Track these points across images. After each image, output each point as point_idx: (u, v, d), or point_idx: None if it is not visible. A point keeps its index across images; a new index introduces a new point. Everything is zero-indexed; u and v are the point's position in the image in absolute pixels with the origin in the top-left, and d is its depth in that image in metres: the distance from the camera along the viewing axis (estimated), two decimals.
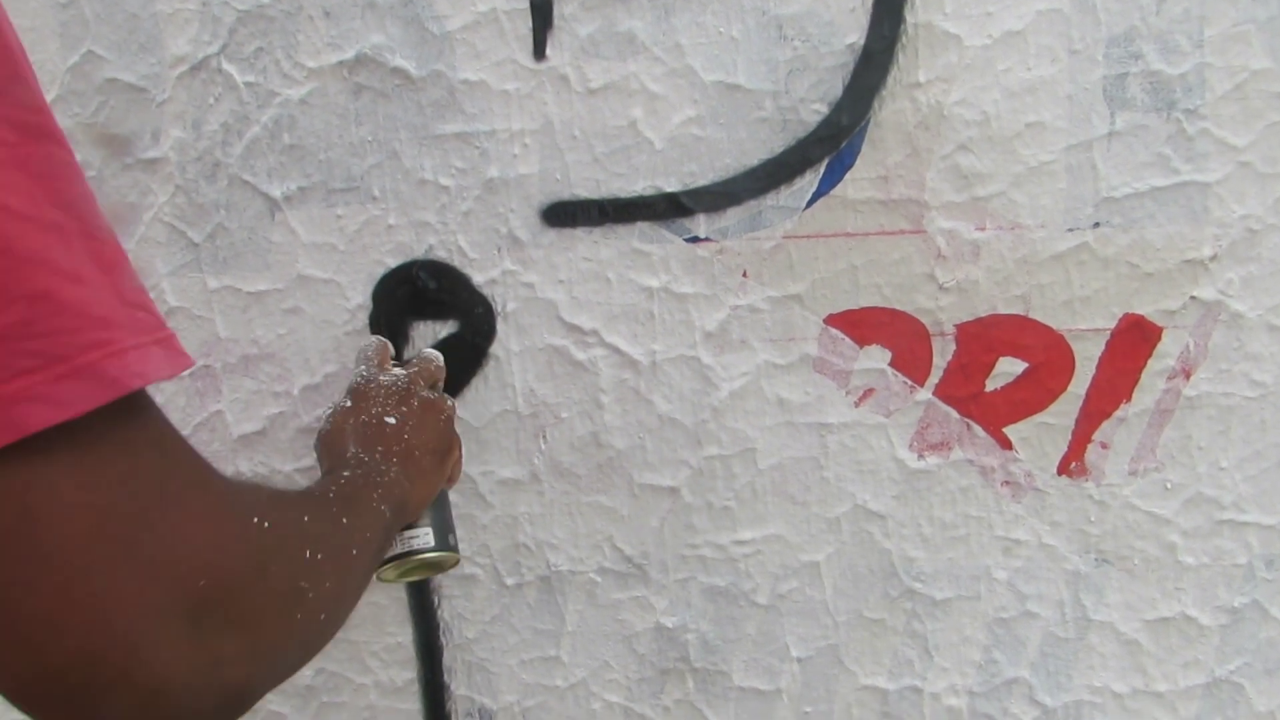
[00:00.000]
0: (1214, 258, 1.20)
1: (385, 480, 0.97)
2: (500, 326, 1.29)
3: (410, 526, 1.09)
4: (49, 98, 1.23)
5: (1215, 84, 1.17)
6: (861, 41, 1.19)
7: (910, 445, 1.28)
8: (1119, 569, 1.28)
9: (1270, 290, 1.20)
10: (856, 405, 1.27)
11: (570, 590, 1.35)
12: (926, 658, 1.32)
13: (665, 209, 1.25)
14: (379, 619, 1.37)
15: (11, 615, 0.53)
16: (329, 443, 1.08)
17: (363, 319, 1.30)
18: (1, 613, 0.53)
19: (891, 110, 1.20)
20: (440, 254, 1.28)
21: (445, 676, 1.39)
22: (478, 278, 1.29)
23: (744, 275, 1.25)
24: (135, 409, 0.58)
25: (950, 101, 1.19)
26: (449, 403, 1.16)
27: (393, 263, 1.29)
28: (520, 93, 1.24)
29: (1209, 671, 1.29)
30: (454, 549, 1.14)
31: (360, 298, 1.30)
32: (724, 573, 1.33)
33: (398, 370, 1.16)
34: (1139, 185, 1.19)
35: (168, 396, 1.34)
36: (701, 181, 1.24)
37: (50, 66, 1.27)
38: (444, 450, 1.13)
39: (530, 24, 1.23)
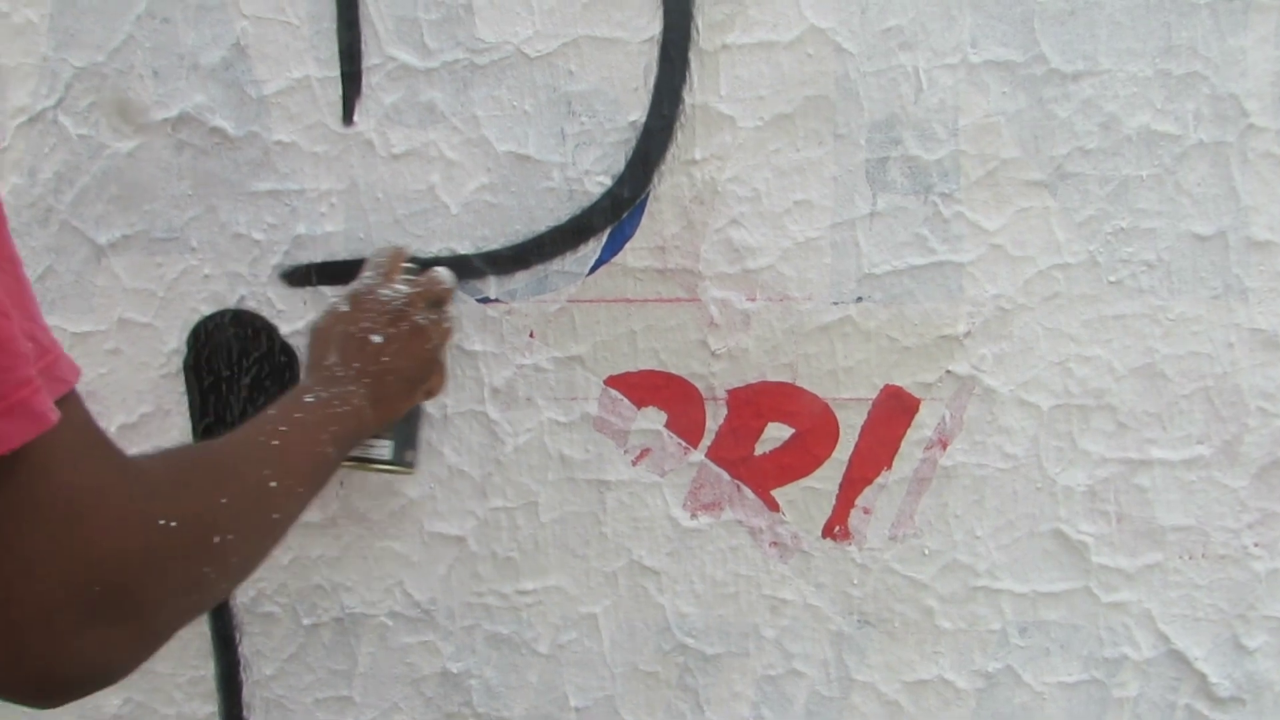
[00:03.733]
0: (968, 334, 0.97)
1: (343, 411, 0.82)
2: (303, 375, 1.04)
3: (375, 435, 0.93)
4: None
5: (969, 170, 0.95)
6: (643, 119, 0.97)
7: (684, 504, 1.03)
8: (880, 631, 1.02)
9: (1020, 367, 0.97)
10: (634, 464, 1.03)
11: (363, 632, 1.08)
12: (698, 711, 1.05)
13: (459, 270, 1.01)
14: (183, 653, 1.10)
15: None
16: (316, 338, 0.91)
17: (177, 363, 1.06)
18: None
19: (670, 184, 0.98)
20: (251, 304, 1.04)
21: (245, 711, 1.11)
22: (284, 328, 1.04)
23: (531, 336, 1.01)
24: (50, 435, 0.51)
25: (724, 178, 0.97)
26: (445, 325, 0.96)
27: (207, 310, 1.05)
28: (329, 155, 1.01)
29: None
30: (409, 464, 0.99)
31: (176, 342, 1.05)
32: (507, 621, 1.06)
33: (401, 286, 0.93)
34: (898, 263, 0.97)
35: None
36: (493, 245, 1.01)
37: None
38: (419, 378, 0.93)
39: (340, 91, 1.00)
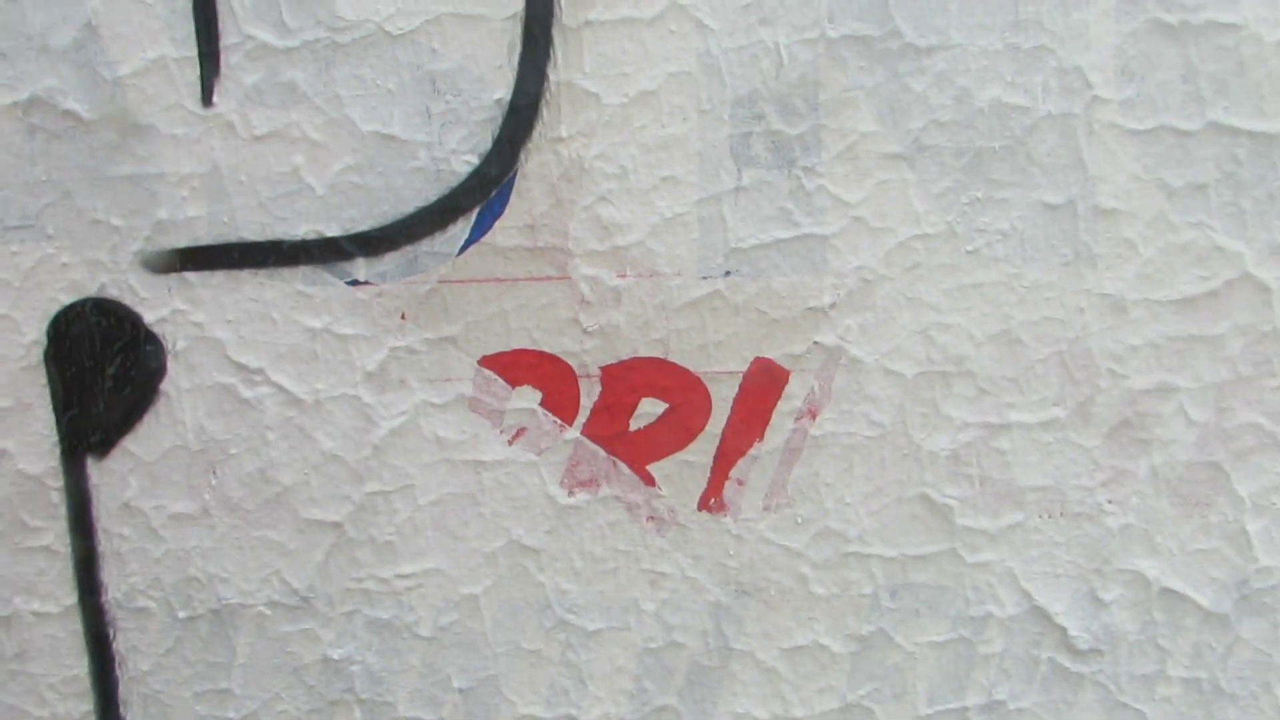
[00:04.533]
0: (833, 306, 0.93)
1: None
2: (170, 364, 0.97)
3: None
4: None
5: (830, 144, 0.92)
6: (509, 97, 0.91)
7: (561, 482, 0.97)
8: (757, 600, 0.99)
9: (884, 337, 0.94)
10: (510, 443, 0.97)
11: (241, 623, 1.01)
12: (581, 687, 1.00)
13: (326, 253, 0.94)
14: (55, 651, 1.01)
15: None
16: None
17: (37, 354, 0.97)
18: None
19: (537, 162, 0.93)
20: (112, 292, 0.96)
21: (121, 709, 1.03)
22: (148, 316, 0.96)
23: (402, 318, 0.95)
24: None
25: (591, 155, 0.92)
26: None
27: (67, 300, 0.97)
28: (189, 137, 0.94)
29: (841, 697, 1.00)
30: None
31: (35, 334, 0.97)
32: (387, 605, 1.00)
33: None
34: (764, 237, 0.93)
35: None
36: (361, 227, 0.94)
37: None
38: None
39: (199, 72, 0.92)
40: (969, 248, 0.94)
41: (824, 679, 1.01)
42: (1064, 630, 0.99)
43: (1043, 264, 0.93)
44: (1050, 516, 0.98)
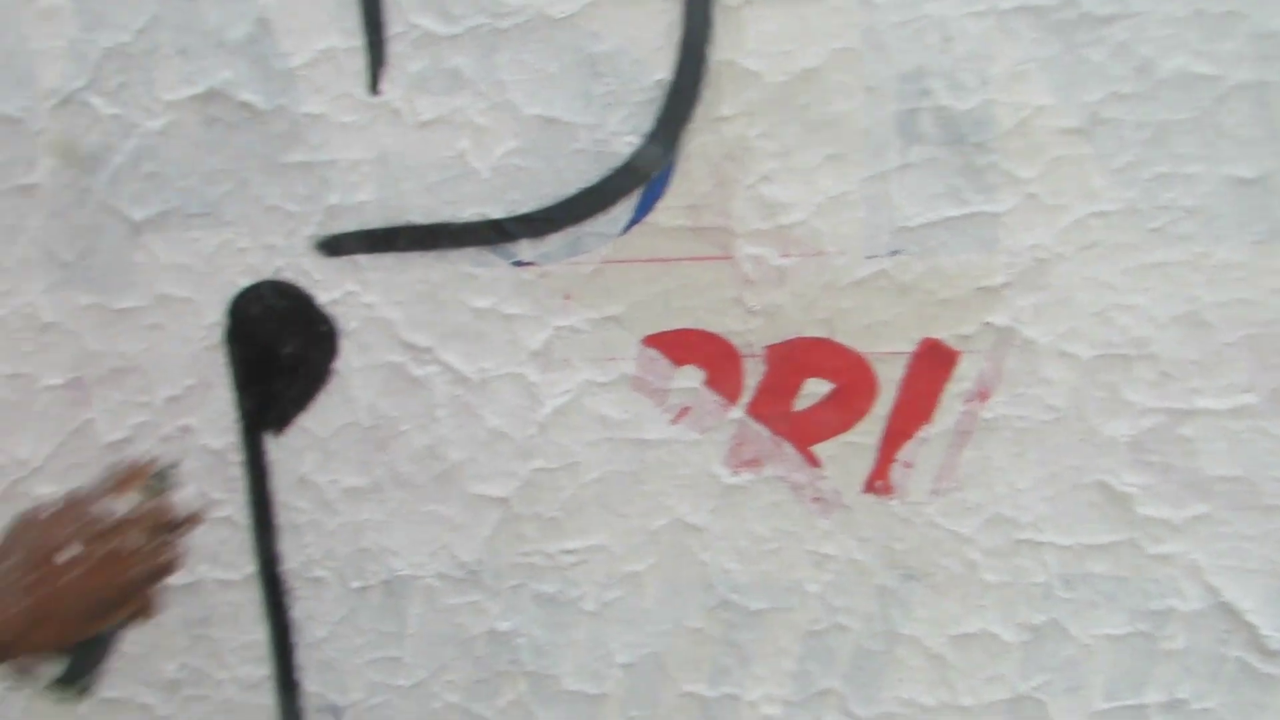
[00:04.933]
0: (1006, 285, 1.04)
1: None
2: (343, 344, 1.15)
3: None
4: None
5: (1001, 119, 1.02)
6: (669, 78, 1.05)
7: (725, 461, 1.12)
8: (924, 585, 1.12)
9: (1060, 318, 1.04)
10: (673, 422, 1.12)
11: (411, 594, 1.20)
12: (743, 666, 1.16)
13: (492, 234, 1.10)
14: (236, 618, 1.23)
15: None
16: (11, 532, 0.89)
17: (218, 335, 1.17)
18: None
19: (699, 143, 1.06)
20: (287, 275, 1.14)
21: (297, 674, 1.24)
22: (321, 298, 1.14)
23: (566, 297, 1.11)
24: None
25: (753, 135, 1.05)
26: (164, 558, 0.92)
27: (244, 283, 1.16)
28: (358, 125, 1.11)
29: (1012, 688, 1.12)
30: (77, 690, 0.91)
31: (215, 315, 1.16)
32: (552, 580, 1.17)
33: (121, 504, 0.90)
34: (933, 215, 1.04)
35: (45, 405, 1.20)
36: (524, 209, 1.10)
37: None
38: (111, 611, 0.89)
39: (366, 61, 1.09)
40: (1152, 225, 1.02)
41: (993, 668, 1.14)
42: (1254, 628, 1.09)
43: (1233, 242, 1.02)
44: (1241, 509, 1.07)
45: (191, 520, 0.94)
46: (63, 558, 0.86)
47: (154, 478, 0.94)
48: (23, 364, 1.21)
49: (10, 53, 1.15)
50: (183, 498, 0.95)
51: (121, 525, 0.89)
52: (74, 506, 0.89)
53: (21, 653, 0.86)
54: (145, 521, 0.90)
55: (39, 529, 0.88)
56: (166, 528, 0.92)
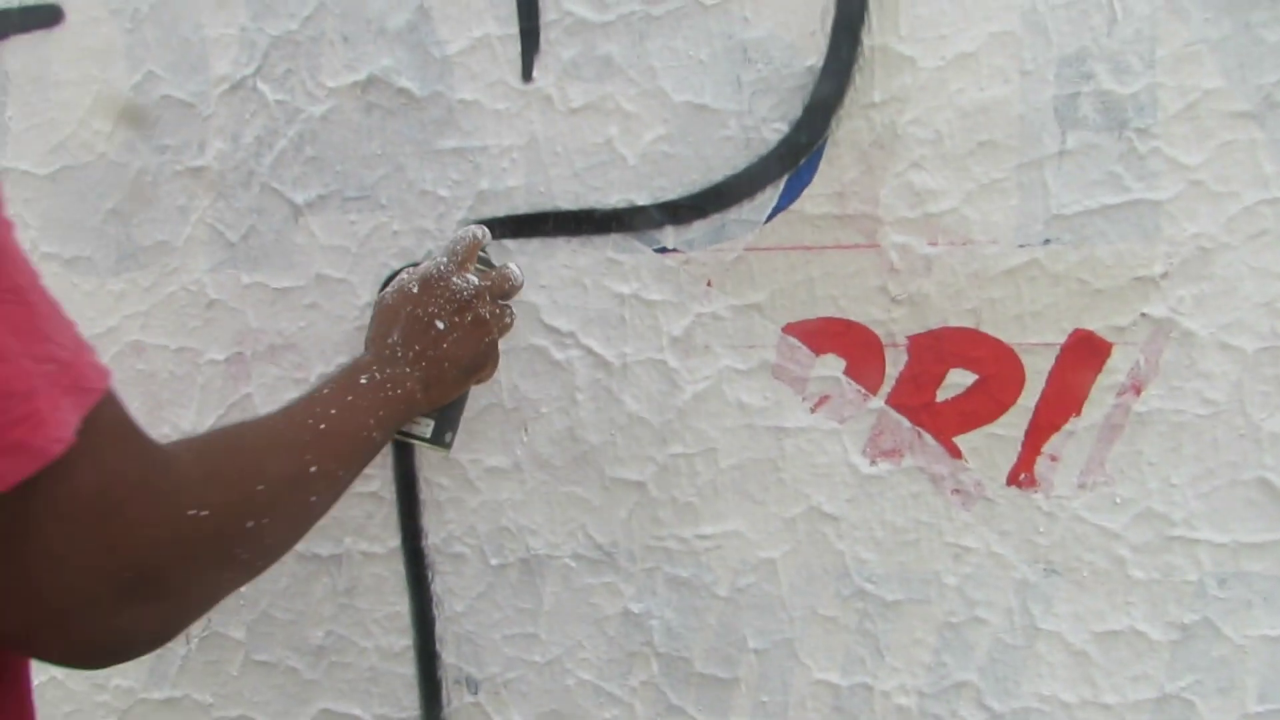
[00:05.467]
0: (1165, 275, 0.94)
1: (394, 395, 0.87)
2: None
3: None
4: (115, 113, 1.13)
5: (1167, 103, 0.92)
6: (820, 64, 0.98)
7: (863, 451, 1.04)
8: (1067, 580, 1.02)
9: (1222, 309, 0.94)
10: (812, 411, 1.04)
11: (548, 573, 1.14)
12: (878, 657, 1.07)
13: (637, 221, 1.04)
14: (380, 589, 1.18)
15: (6, 587, 0.56)
16: (382, 313, 0.95)
17: (370, 315, 1.11)
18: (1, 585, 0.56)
19: (848, 129, 0.98)
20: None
21: (437, 645, 1.19)
22: None
23: (708, 284, 1.04)
24: (79, 442, 0.55)
25: (904, 121, 0.97)
26: (507, 320, 0.98)
27: (397, 265, 1.12)
28: (510, 112, 1.06)
29: (1159, 687, 1.02)
30: (446, 444, 1.00)
31: (368, 295, 1.12)
32: (687, 564, 1.10)
33: (471, 277, 0.95)
34: (1090, 203, 0.95)
35: (207, 379, 1.17)
36: (670, 196, 1.04)
37: (118, 83, 1.12)
38: (473, 367, 0.96)
39: (520, 48, 1.03)
40: None
41: (1139, 666, 1.03)
42: None
43: None
44: None
45: (516, 289, 0.99)
46: (439, 327, 0.92)
47: (482, 253, 0.99)
48: (189, 339, 1.18)
49: (186, 40, 1.12)
50: (505, 272, 0.99)
51: (476, 296, 0.94)
52: (431, 285, 0.94)
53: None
54: (492, 291, 0.96)
55: (413, 302, 0.93)
56: (505, 295, 0.98)
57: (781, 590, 1.10)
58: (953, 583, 1.06)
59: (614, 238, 1.07)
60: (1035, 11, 0.94)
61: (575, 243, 1.08)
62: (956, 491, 1.04)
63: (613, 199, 1.06)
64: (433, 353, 0.91)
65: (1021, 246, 0.98)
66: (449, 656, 1.19)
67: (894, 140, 0.99)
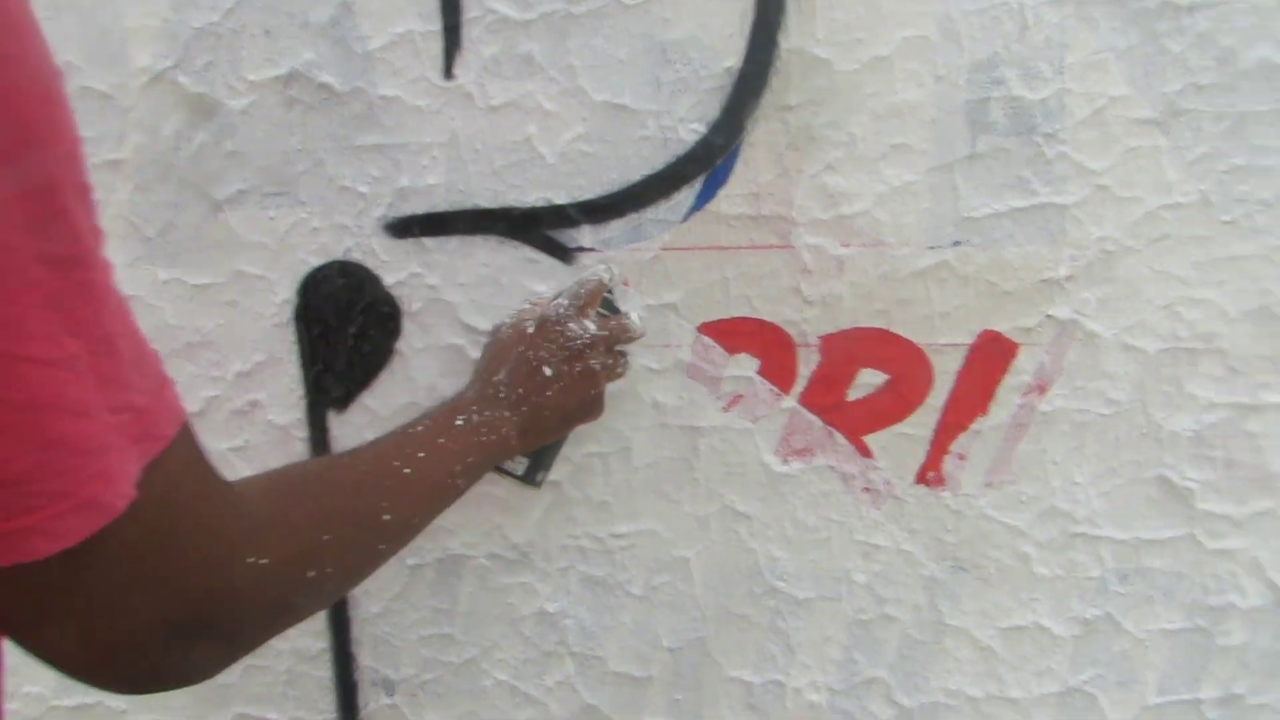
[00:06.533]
0: (1070, 278, 0.83)
1: (488, 440, 0.76)
2: (405, 325, 0.94)
3: None
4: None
5: (1075, 109, 0.81)
6: (739, 66, 0.85)
7: (776, 450, 0.90)
8: (974, 577, 0.89)
9: (1125, 311, 0.83)
10: (726, 410, 0.91)
11: (464, 573, 0.98)
12: (789, 654, 0.93)
13: (555, 220, 0.90)
14: None
15: (61, 623, 0.47)
16: (494, 350, 0.85)
17: (288, 313, 0.96)
18: (56, 620, 0.47)
19: (764, 131, 0.86)
20: (356, 256, 0.94)
21: (353, 647, 1.01)
22: (387, 279, 0.94)
23: (624, 284, 0.90)
24: (146, 483, 0.47)
25: (819, 123, 0.85)
26: (619, 370, 0.87)
27: (316, 262, 0.96)
28: (430, 109, 0.91)
29: (1062, 681, 0.90)
30: (536, 484, 0.91)
31: (287, 293, 0.96)
32: (601, 564, 0.95)
33: (590, 324, 0.83)
34: (998, 206, 0.83)
35: None
36: (588, 195, 0.90)
37: None
38: (575, 417, 0.85)
39: (442, 45, 0.89)
40: (1225, 218, 0.81)
41: (1044, 661, 0.91)
42: None
43: None
44: None
45: (634, 338, 0.87)
46: (547, 373, 0.80)
47: (608, 294, 0.87)
48: None
49: (106, 30, 0.96)
50: (626, 324, 0.86)
51: (590, 346, 0.82)
52: (547, 328, 0.82)
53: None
54: (609, 340, 0.84)
55: (526, 343, 0.81)
56: (621, 343, 0.86)
57: (695, 589, 0.96)
58: (863, 580, 0.93)
59: (532, 236, 0.92)
60: (949, 18, 0.83)
61: (493, 241, 0.93)
62: (867, 490, 0.91)
63: (531, 198, 0.92)
64: (536, 399, 0.80)
65: (931, 248, 0.86)
66: (365, 658, 1.03)
67: (809, 142, 0.86)
